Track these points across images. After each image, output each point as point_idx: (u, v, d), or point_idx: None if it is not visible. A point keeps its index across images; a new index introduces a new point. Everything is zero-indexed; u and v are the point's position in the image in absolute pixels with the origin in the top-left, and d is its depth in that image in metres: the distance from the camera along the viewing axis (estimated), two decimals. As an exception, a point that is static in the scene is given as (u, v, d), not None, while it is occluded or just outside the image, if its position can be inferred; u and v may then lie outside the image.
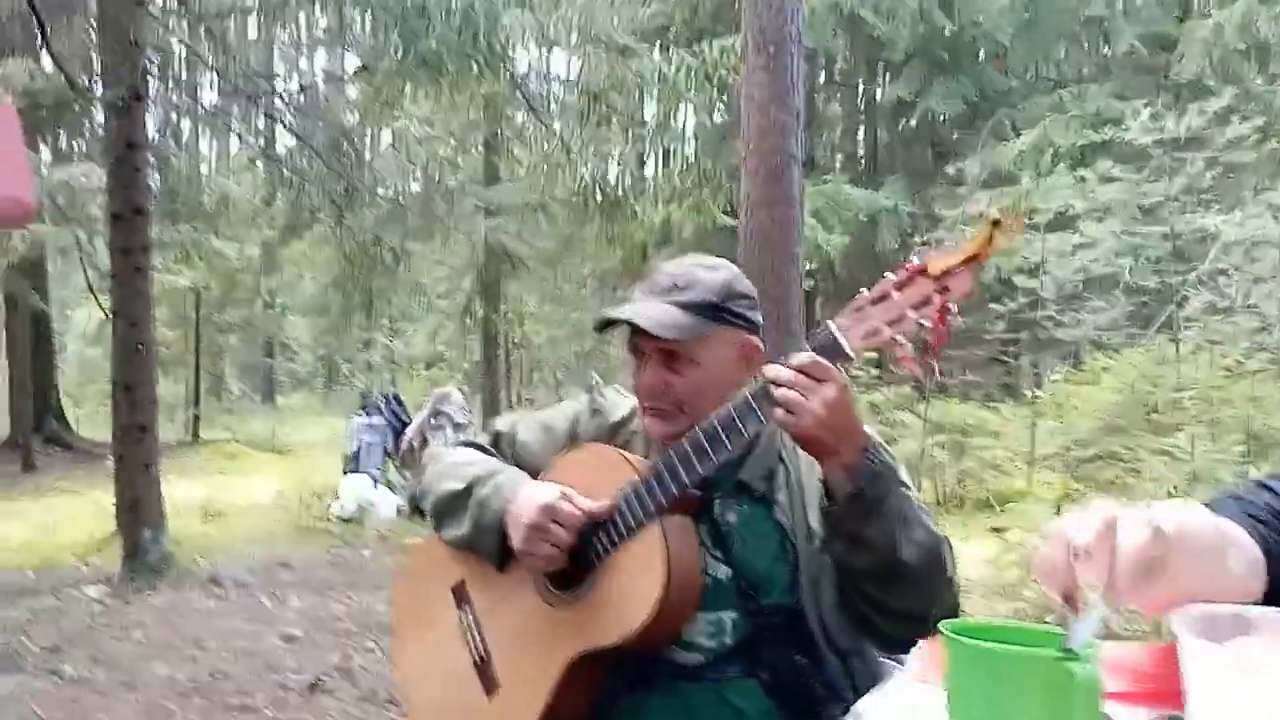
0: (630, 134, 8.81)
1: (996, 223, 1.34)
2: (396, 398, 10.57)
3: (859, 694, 1.50)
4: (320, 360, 27.82)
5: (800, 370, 1.34)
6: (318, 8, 6.55)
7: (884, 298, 1.36)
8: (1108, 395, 9.45)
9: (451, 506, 1.68)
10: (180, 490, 8.19)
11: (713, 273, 1.59)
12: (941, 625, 0.89)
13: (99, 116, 7.80)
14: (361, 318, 13.28)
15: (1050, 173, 10.41)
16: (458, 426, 8.93)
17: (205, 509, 8.41)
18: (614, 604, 1.48)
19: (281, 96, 6.62)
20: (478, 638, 1.66)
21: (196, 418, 15.10)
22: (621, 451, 1.61)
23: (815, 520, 1.51)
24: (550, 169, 14.53)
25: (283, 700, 4.07)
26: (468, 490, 1.65)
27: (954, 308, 1.35)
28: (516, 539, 1.54)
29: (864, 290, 1.39)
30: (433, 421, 8.91)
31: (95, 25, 6.55)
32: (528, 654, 1.57)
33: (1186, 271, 9.99)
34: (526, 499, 1.55)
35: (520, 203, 10.60)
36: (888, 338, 1.35)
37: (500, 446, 1.79)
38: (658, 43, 12.84)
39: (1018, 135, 13.02)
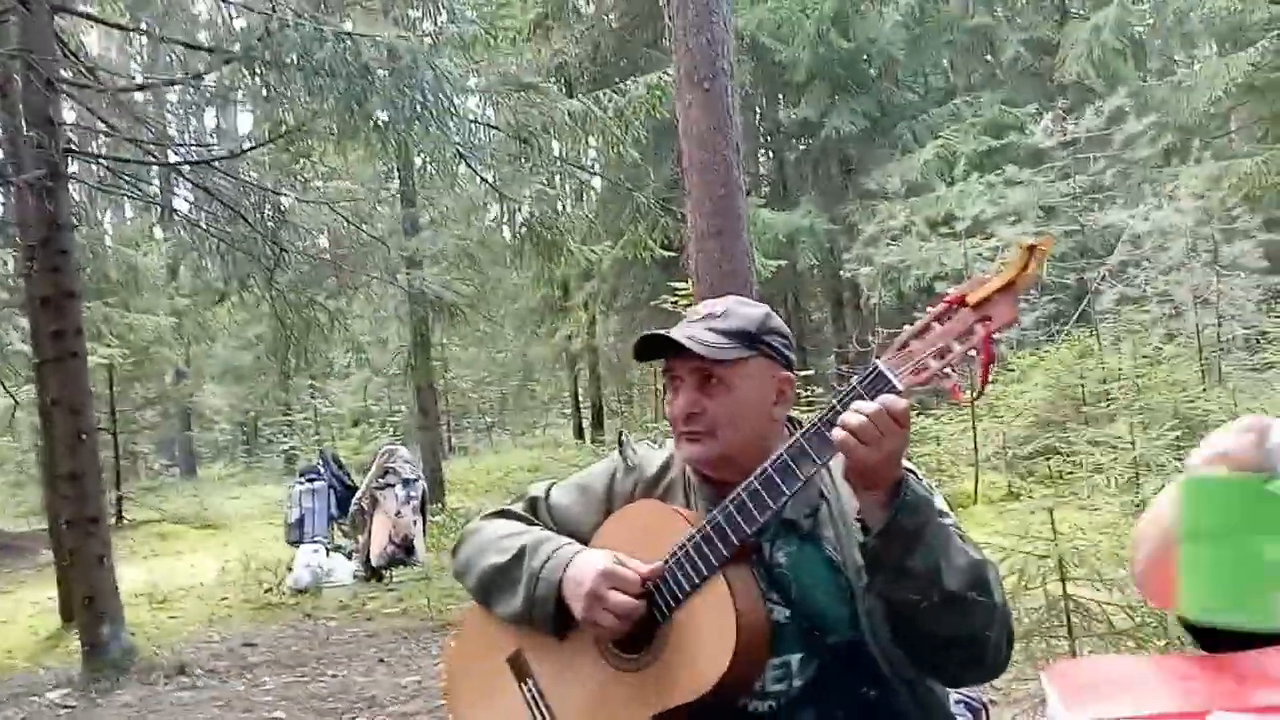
0: (562, 174, 8.82)
1: (1031, 248, 1.38)
2: (335, 458, 10.33)
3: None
4: (239, 427, 27.05)
5: (889, 411, 1.35)
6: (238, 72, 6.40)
7: (926, 331, 1.40)
8: (1038, 392, 9.75)
9: (499, 580, 1.66)
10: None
11: (752, 308, 1.63)
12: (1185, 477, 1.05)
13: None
14: (287, 380, 12.95)
15: (964, 180, 10.74)
16: (407, 483, 8.76)
17: (151, 595, 8.08)
18: (686, 662, 1.48)
19: (211, 163, 6.42)
20: (544, 710, 1.64)
21: (120, 499, 14.51)
22: (672, 507, 1.61)
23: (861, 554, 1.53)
24: (475, 214, 14.51)
25: (284, 789, 3.92)
26: (516, 561, 1.64)
27: (998, 336, 1.39)
28: (579, 609, 1.53)
29: (906, 326, 1.43)
30: (381, 480, 8.72)
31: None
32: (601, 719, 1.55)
33: (1097, 266, 10.42)
34: (583, 567, 1.54)
35: (448, 250, 10.50)
36: (935, 371, 1.38)
37: (538, 512, 1.78)
38: (562, 81, 12.96)
39: (921, 147, 13.43)
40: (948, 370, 1.38)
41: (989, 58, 16.39)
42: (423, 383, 11.97)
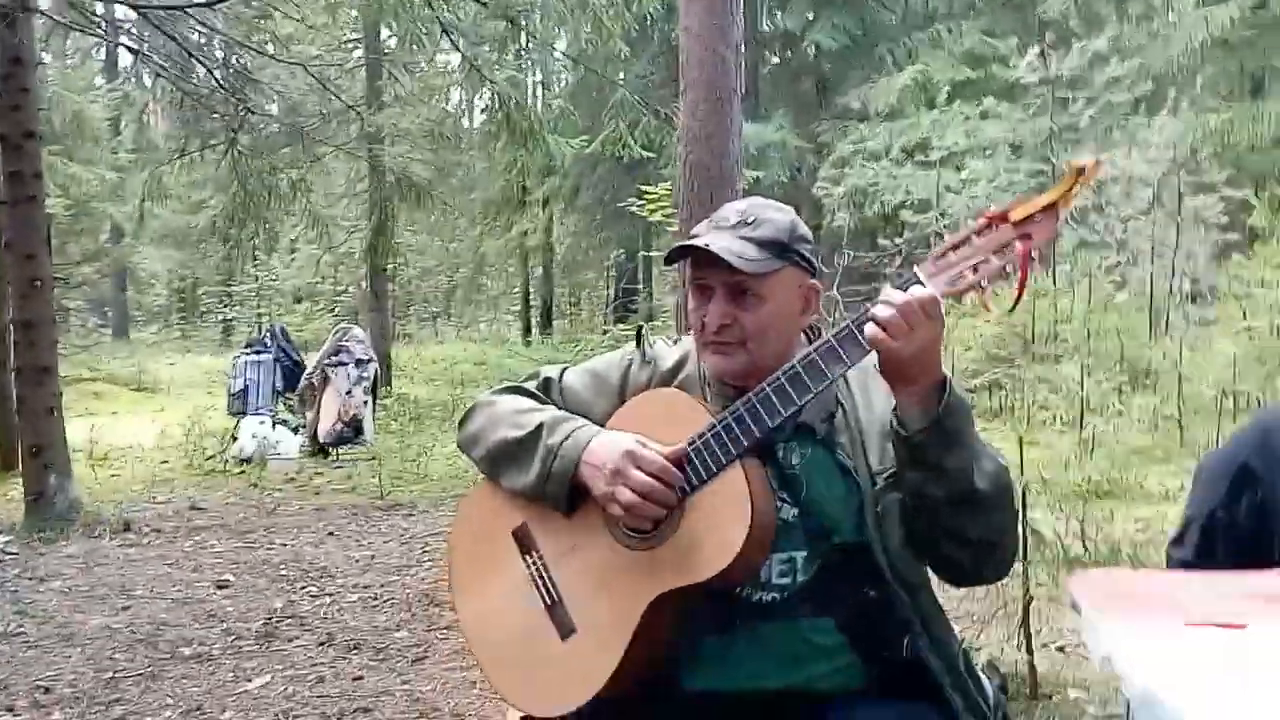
0: (537, 62, 8.55)
1: (1081, 169, 1.39)
2: (283, 332, 10.15)
3: (926, 627, 1.57)
4: (177, 293, 26.40)
5: (918, 301, 1.36)
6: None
7: (964, 243, 1.41)
8: (989, 328, 9.90)
9: (513, 453, 1.66)
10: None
11: (780, 213, 1.61)
12: None
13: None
14: (234, 250, 12.60)
15: (945, 108, 10.66)
16: (360, 363, 8.67)
17: (90, 453, 7.94)
18: (698, 544, 1.50)
19: (185, 9, 6.08)
20: (548, 582, 1.64)
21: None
22: (693, 397, 1.62)
23: (876, 459, 1.56)
24: (438, 95, 14.06)
25: (236, 647, 3.92)
26: (533, 436, 1.63)
27: (1036, 253, 1.40)
28: (599, 485, 1.53)
29: (945, 236, 1.43)
30: (334, 358, 8.60)
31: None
32: (606, 596, 1.57)
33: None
34: (605, 446, 1.55)
35: (413, 129, 10.18)
36: (972, 282, 1.39)
37: (550, 393, 1.78)
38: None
39: (899, 70, 13.29)
40: (983, 282, 1.39)
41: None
42: (379, 265, 11.74)
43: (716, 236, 1.55)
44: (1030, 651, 3.31)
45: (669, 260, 1.66)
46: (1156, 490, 6.11)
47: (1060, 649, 3.75)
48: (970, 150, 10.39)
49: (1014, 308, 1.51)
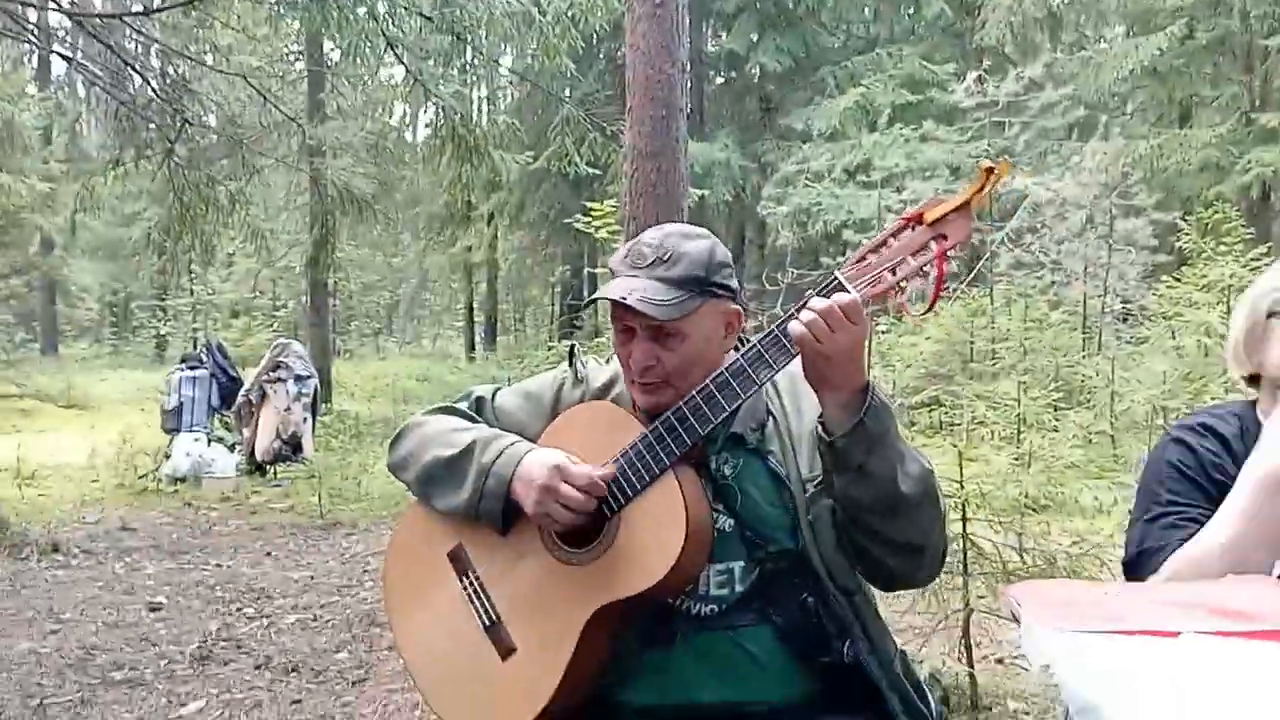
0: (484, 76, 8.51)
1: (990, 170, 1.43)
2: (220, 347, 9.94)
3: (865, 630, 1.60)
4: (109, 307, 25.76)
5: (839, 305, 1.39)
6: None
7: (882, 246, 1.44)
8: (929, 346, 10.06)
9: (444, 473, 1.65)
10: (-19, 450, 7.47)
11: (696, 243, 1.60)
12: None
13: None
14: (170, 263, 12.33)
15: (885, 130, 10.85)
16: (299, 379, 8.52)
17: (18, 471, 7.69)
18: (635, 555, 1.50)
19: (121, 17, 5.95)
20: (486, 602, 1.64)
21: (-23, 371, 13.73)
22: (622, 410, 1.63)
23: (806, 466, 1.58)
24: (381, 109, 13.95)
25: (169, 671, 3.81)
26: (465, 455, 1.63)
27: (952, 253, 1.43)
28: (529, 502, 1.54)
29: (863, 240, 1.47)
30: (272, 374, 8.45)
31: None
32: (544, 613, 1.57)
33: (997, 229, 10.74)
34: (535, 463, 1.55)
35: (354, 143, 10.08)
36: (891, 283, 1.43)
37: (483, 413, 1.78)
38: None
39: (841, 93, 13.50)
40: (902, 284, 1.42)
41: (911, 11, 16.50)
42: (319, 279, 11.57)
43: (632, 281, 1.54)
44: (971, 664, 3.35)
45: (585, 305, 1.68)
46: (1090, 504, 6.25)
47: (1000, 661, 3.81)
48: (910, 171, 10.57)
49: (930, 308, 1.53)
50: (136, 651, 4.03)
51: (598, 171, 7.69)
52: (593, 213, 6.75)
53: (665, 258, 1.55)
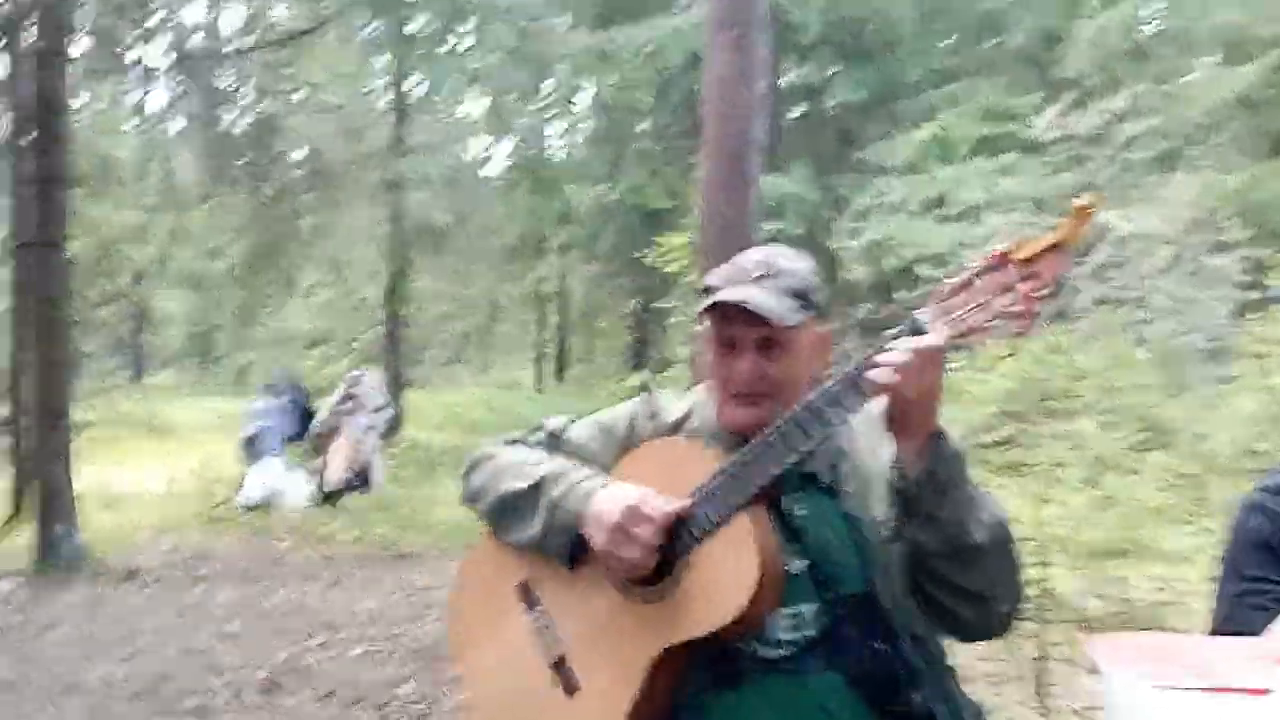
0: (567, 110, 8.60)
1: (1085, 208, 1.35)
2: (296, 378, 10.17)
3: (937, 678, 1.53)
4: (193, 337, 26.54)
5: (919, 350, 1.34)
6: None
7: (967, 285, 1.37)
8: (1003, 383, 9.83)
9: (516, 506, 1.64)
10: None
11: (796, 262, 1.60)
12: None
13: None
14: (255, 294, 12.68)
15: (962, 162, 10.68)
16: (371, 411, 8.64)
17: (100, 498, 7.90)
18: (705, 596, 1.47)
19: (219, 57, 6.16)
20: (553, 637, 1.62)
21: (67, 397, 14.21)
22: (698, 446, 1.59)
23: (879, 510, 1.53)
24: (460, 143, 14.22)
25: (240, 700, 3.86)
26: (536, 489, 1.61)
27: (1041, 295, 1.35)
28: (600, 541, 1.51)
29: (946, 280, 1.39)
30: (346, 406, 8.59)
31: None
32: (610, 651, 1.54)
33: (1079, 263, 10.47)
34: (607, 500, 1.52)
35: (433, 177, 10.27)
36: (974, 325, 1.35)
37: (555, 446, 1.75)
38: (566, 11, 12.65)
39: (918, 127, 13.36)
40: (986, 326, 1.35)
41: (992, 43, 16.31)
42: (396, 310, 11.78)
43: (741, 289, 1.53)
44: (1044, 714, 3.22)
45: (702, 313, 1.62)
46: (1172, 550, 6.00)
47: (1075, 712, 3.65)
48: (989, 205, 10.38)
49: (1012, 353, 1.46)
50: (207, 679, 4.09)
51: (672, 205, 7.70)
52: (660, 246, 6.75)
53: (772, 272, 1.55)
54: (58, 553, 5.52)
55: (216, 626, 4.84)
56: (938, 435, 1.39)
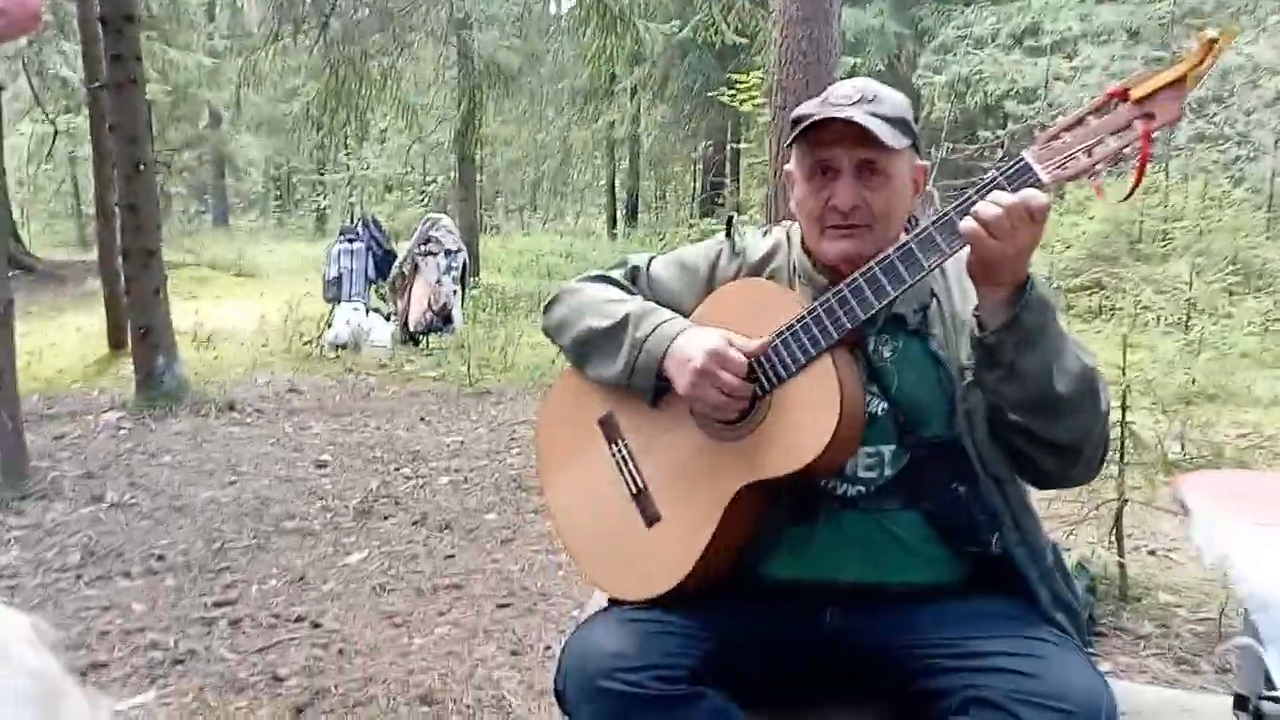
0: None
1: (1212, 41, 1.27)
2: (375, 221, 10.27)
3: (1016, 520, 1.53)
4: (272, 181, 26.88)
5: (1026, 205, 1.30)
6: None
7: (1079, 124, 1.32)
8: (1093, 225, 9.52)
9: (600, 343, 1.64)
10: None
11: (894, 92, 1.55)
12: None
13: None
14: (328, 138, 12.69)
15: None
16: (449, 253, 8.75)
17: (194, 335, 8.25)
18: (786, 436, 1.48)
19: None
20: (634, 470, 1.64)
21: (156, 240, 14.63)
22: (783, 287, 1.58)
23: (966, 353, 1.50)
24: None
25: (335, 523, 4.09)
26: (619, 327, 1.61)
27: (1157, 134, 1.30)
28: (683, 384, 1.51)
29: (1058, 117, 1.35)
30: (424, 248, 8.71)
31: None
32: (691, 485, 1.56)
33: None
34: (691, 343, 1.51)
35: (500, 15, 10.02)
36: (1085, 166, 1.31)
37: (637, 282, 1.75)
38: None
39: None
40: (1098, 166, 1.30)
41: None
42: (467, 154, 11.71)
43: (841, 110, 1.48)
44: (1121, 554, 3.26)
45: (796, 131, 1.55)
46: (1264, 395, 5.89)
47: (1152, 553, 3.69)
48: (1084, 36, 9.82)
49: (1130, 194, 1.42)
50: (305, 504, 4.33)
51: (745, 41, 7.43)
52: (738, 85, 6.55)
53: (870, 97, 1.50)
54: (159, 386, 5.79)
55: (311, 456, 5.09)
56: (1025, 283, 1.36)
